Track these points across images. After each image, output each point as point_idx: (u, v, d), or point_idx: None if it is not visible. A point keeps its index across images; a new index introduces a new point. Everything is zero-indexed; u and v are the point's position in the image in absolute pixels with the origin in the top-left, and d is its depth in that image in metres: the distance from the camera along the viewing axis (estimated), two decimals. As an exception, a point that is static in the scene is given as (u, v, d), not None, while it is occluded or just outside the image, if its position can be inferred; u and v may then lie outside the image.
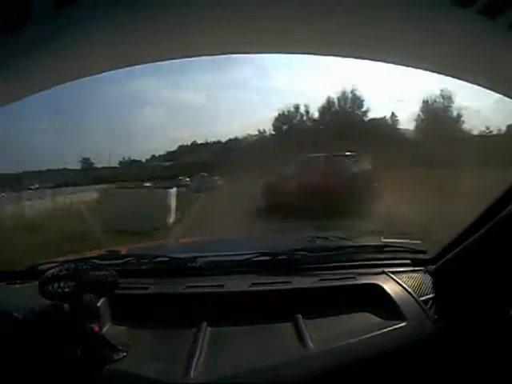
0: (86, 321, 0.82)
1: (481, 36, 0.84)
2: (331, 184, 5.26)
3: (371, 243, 1.24)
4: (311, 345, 0.87)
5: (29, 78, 1.00)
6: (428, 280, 1.04)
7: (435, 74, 1.08)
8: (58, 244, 3.62)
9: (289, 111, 12.16)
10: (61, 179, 9.62)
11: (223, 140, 12.04)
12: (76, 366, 0.82)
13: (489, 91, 0.99)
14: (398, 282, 1.03)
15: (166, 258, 1.19)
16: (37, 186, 9.36)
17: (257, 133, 12.05)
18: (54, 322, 0.85)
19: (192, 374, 0.79)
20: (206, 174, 9.84)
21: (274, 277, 1.08)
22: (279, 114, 12.13)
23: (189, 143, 12.53)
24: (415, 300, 0.96)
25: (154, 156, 12.17)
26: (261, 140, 11.69)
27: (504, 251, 0.85)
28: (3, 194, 7.59)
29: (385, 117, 11.30)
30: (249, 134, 11.98)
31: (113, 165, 11.42)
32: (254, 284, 1.05)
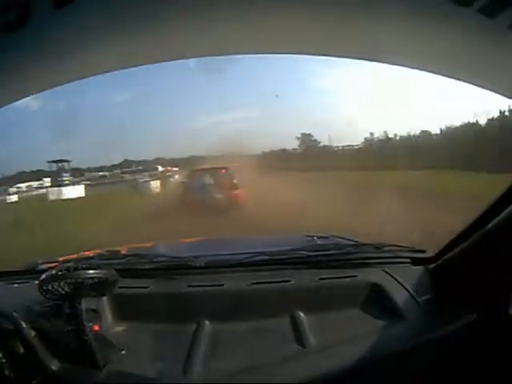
0: (85, 321, 0.82)
1: (480, 36, 0.84)
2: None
3: (371, 242, 1.24)
4: (310, 343, 0.87)
5: (29, 77, 1.00)
6: (427, 279, 1.04)
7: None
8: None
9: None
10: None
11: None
12: (76, 366, 0.82)
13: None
14: (397, 281, 1.03)
15: (166, 258, 1.19)
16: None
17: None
18: (54, 321, 0.85)
19: (192, 374, 0.79)
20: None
21: (273, 276, 1.08)
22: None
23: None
24: (414, 299, 0.97)
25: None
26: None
27: (503, 251, 0.85)
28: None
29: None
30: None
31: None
32: (253, 283, 1.05)
